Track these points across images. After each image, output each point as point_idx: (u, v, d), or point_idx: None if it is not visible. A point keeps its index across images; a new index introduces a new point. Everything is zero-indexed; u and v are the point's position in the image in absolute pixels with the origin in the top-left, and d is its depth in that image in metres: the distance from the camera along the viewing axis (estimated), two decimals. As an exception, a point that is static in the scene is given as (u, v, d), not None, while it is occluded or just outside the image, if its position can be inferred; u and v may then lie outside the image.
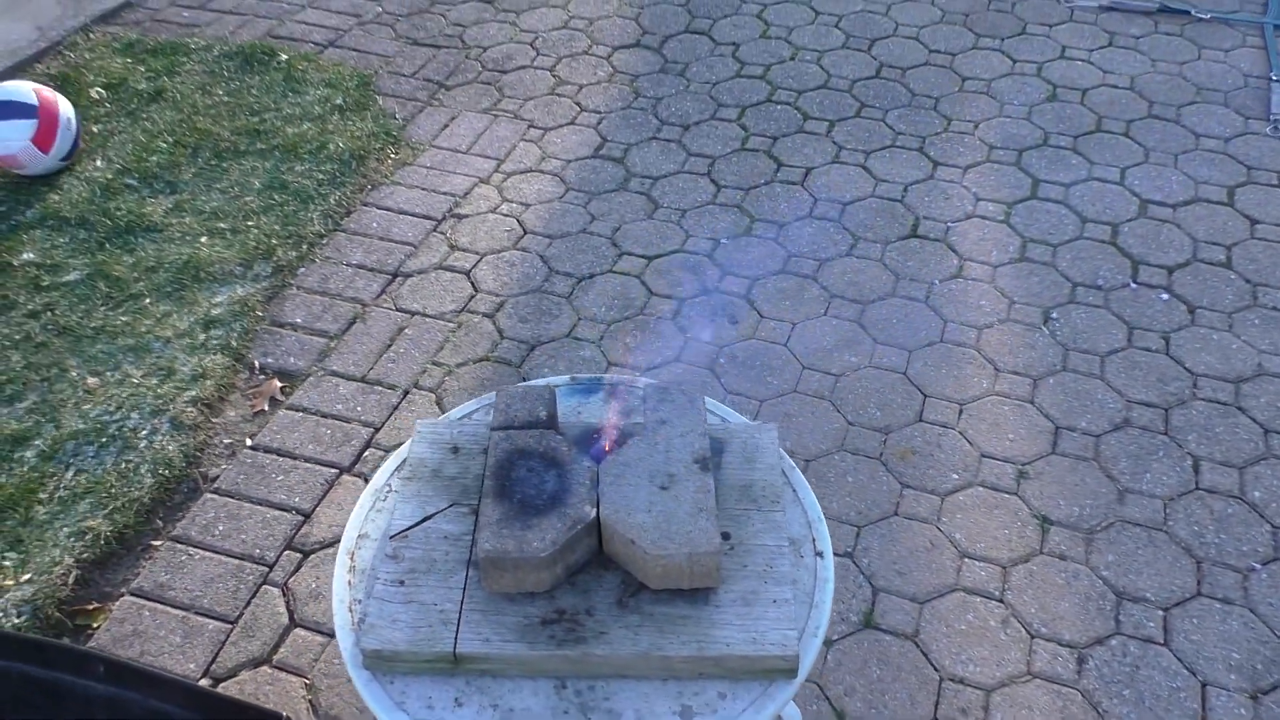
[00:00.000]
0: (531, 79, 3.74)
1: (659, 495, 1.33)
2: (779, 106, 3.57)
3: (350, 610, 1.35)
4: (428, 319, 2.78)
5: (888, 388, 2.56)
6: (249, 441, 2.46)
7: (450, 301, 2.83)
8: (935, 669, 2.00)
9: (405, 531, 1.38)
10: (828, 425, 2.46)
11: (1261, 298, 2.81)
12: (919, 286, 2.85)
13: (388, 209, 3.15)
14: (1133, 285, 2.85)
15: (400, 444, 2.43)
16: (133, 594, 2.16)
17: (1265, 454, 2.40)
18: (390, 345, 2.70)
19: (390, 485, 1.52)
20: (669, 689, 1.27)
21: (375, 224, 3.09)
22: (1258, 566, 2.18)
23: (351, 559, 1.41)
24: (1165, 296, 2.81)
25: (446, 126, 3.51)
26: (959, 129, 3.43)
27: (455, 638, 1.26)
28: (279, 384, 2.61)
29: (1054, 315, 2.76)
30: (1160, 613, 2.09)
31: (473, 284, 2.89)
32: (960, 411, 2.50)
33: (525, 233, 3.06)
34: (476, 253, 2.99)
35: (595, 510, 1.31)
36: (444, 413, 2.52)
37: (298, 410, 2.53)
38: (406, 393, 2.57)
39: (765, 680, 1.27)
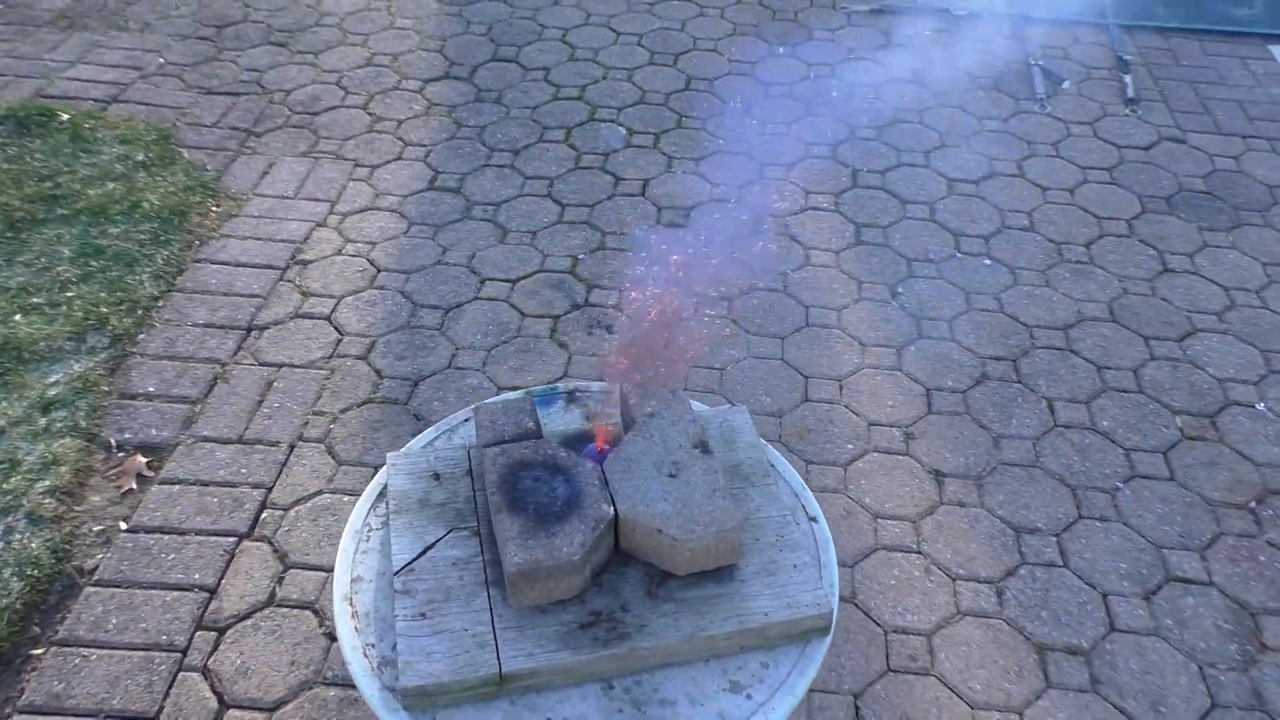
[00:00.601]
0: (346, 118, 3.64)
1: (671, 483, 1.34)
2: (604, 124, 3.65)
3: (366, 655, 1.28)
4: (296, 369, 2.65)
5: (771, 374, 2.68)
6: (123, 525, 2.26)
7: (316, 349, 2.71)
8: (878, 624, 2.11)
9: (410, 564, 1.33)
10: (724, 417, 2.54)
11: (1066, 254, 3.14)
12: (775, 278, 3.00)
13: (224, 263, 2.97)
14: (958, 255, 3.11)
15: (300, 500, 2.31)
16: (22, 712, 1.93)
17: (1103, 388, 2.69)
18: (262, 402, 2.55)
19: (370, 524, 1.45)
20: (712, 669, 1.29)
21: (214, 280, 2.91)
22: (1120, 485, 2.43)
23: (351, 604, 1.34)
24: (988, 262, 3.09)
25: (266, 174, 3.35)
26: (774, 131, 3.63)
27: (498, 658, 1.22)
28: (143, 459, 2.40)
29: (899, 290, 2.98)
30: (1054, 539, 2.30)
31: (336, 328, 2.77)
32: (840, 387, 2.65)
33: (379, 271, 2.98)
34: (332, 296, 2.88)
35: (613, 508, 1.31)
36: (338, 461, 2.41)
37: (173, 483, 2.34)
38: (292, 447, 2.44)
39: (801, 642, 1.32)
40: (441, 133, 3.59)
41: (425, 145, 3.52)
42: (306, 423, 2.50)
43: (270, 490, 2.34)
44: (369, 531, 1.44)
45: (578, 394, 1.66)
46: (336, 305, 2.85)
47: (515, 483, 1.34)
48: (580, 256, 3.06)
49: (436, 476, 1.45)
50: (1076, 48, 4.17)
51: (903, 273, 3.04)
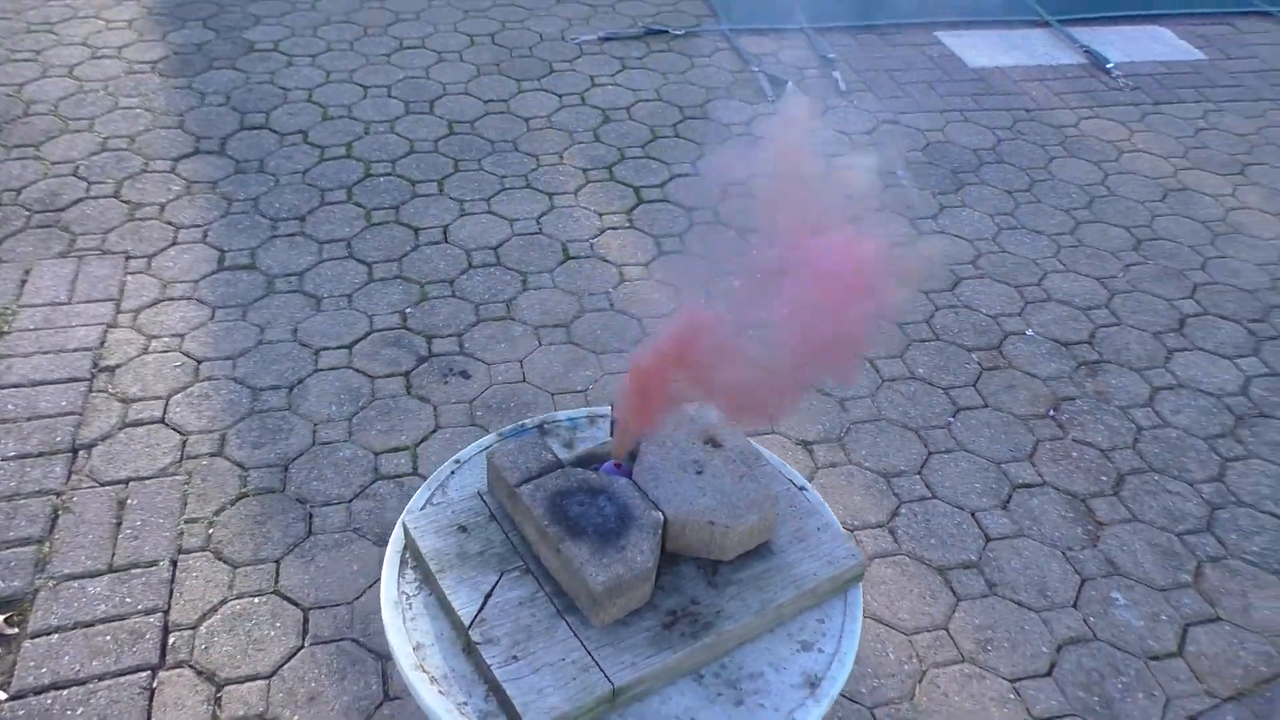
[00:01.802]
0: (98, 210, 3.37)
1: (701, 479, 1.45)
2: (382, 179, 3.62)
3: (463, 714, 1.28)
4: (147, 481, 2.45)
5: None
6: (3, 695, 2.01)
7: (161, 455, 2.51)
8: (807, 586, 2.30)
9: (479, 615, 1.34)
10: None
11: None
12: (600, 298, 3.13)
13: (16, 385, 2.68)
14: (754, 251, 3.39)
15: (206, 615, 2.16)
16: None
17: (909, 341, 3.05)
18: (120, 524, 2.34)
19: (405, 592, 1.43)
20: (779, 636, 1.40)
21: (11, 406, 2.62)
22: (951, 420, 2.79)
23: (424, 670, 1.33)
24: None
25: (25, 283, 3.04)
26: (548, 162, 3.77)
27: (606, 676, 1.27)
28: (1, 617, 2.14)
29: (712, 292, 3.21)
30: (917, 476, 2.60)
31: (175, 429, 2.59)
32: (696, 385, 2.83)
33: (199, 362, 2.80)
34: (158, 398, 2.68)
35: (661, 512, 1.39)
36: (233, 565, 2.27)
37: (48, 633, 2.11)
38: (174, 562, 2.26)
39: (841, 592, 1.46)
40: (213, 210, 3.41)
41: (199, 225, 3.33)
42: (181, 533, 2.33)
43: (168, 613, 2.16)
44: (407, 599, 1.42)
45: (547, 425, 1.71)
46: (166, 406, 2.66)
47: (565, 511, 1.38)
48: (407, 311, 3.03)
49: (463, 529, 1.46)
50: (785, 52, 4.64)
51: (710, 274, 3.27)
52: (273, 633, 2.13)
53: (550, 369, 2.85)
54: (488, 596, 1.37)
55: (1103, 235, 3.56)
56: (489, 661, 1.29)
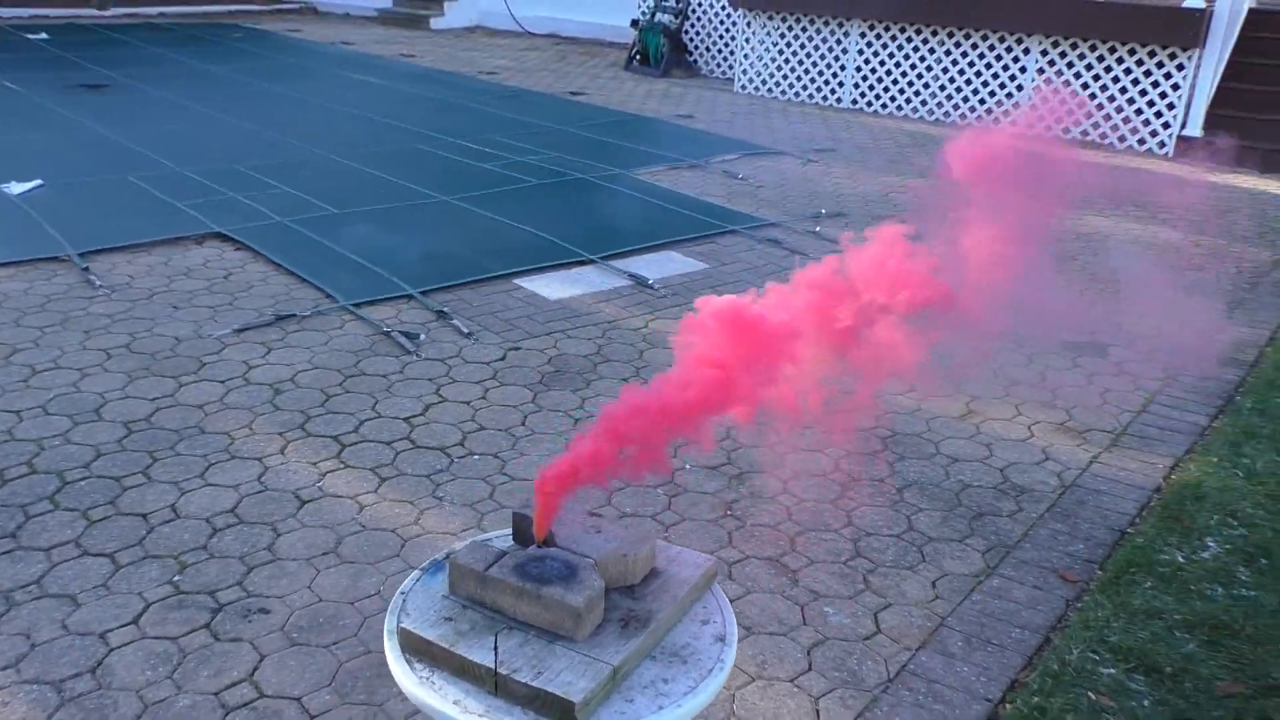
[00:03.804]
0: None
1: (601, 536, 2.09)
2: (83, 483, 3.72)
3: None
4: (-15, 789, 2.41)
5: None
6: None
7: (-14, 764, 2.48)
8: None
9: (500, 661, 1.83)
10: None
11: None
12: (350, 524, 3.54)
13: None
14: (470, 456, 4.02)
15: None
16: None
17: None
18: (-25, 832, 2.29)
19: (423, 677, 1.86)
20: (686, 621, 2.06)
21: None
22: (666, 534, 3.58)
23: (471, 713, 1.78)
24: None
25: None
26: (241, 435, 4.11)
27: (605, 662, 1.83)
28: None
29: (439, 495, 3.76)
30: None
31: (-12, 739, 2.55)
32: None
33: (-22, 678, 2.76)
34: (-49, 719, 2.61)
35: (591, 558, 2.00)
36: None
37: None
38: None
39: (709, 586, 2.15)
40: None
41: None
42: (50, 817, 2.34)
43: None
44: (428, 680, 1.86)
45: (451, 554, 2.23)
46: (-36, 723, 2.60)
47: (529, 573, 1.94)
48: (175, 579, 3.21)
49: (448, 618, 1.94)
50: (404, 313, 5.42)
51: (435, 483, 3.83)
52: None
53: (338, 585, 3.21)
54: (496, 648, 1.87)
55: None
56: (525, 681, 1.79)
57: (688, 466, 4.03)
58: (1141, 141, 10.77)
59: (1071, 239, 7.27)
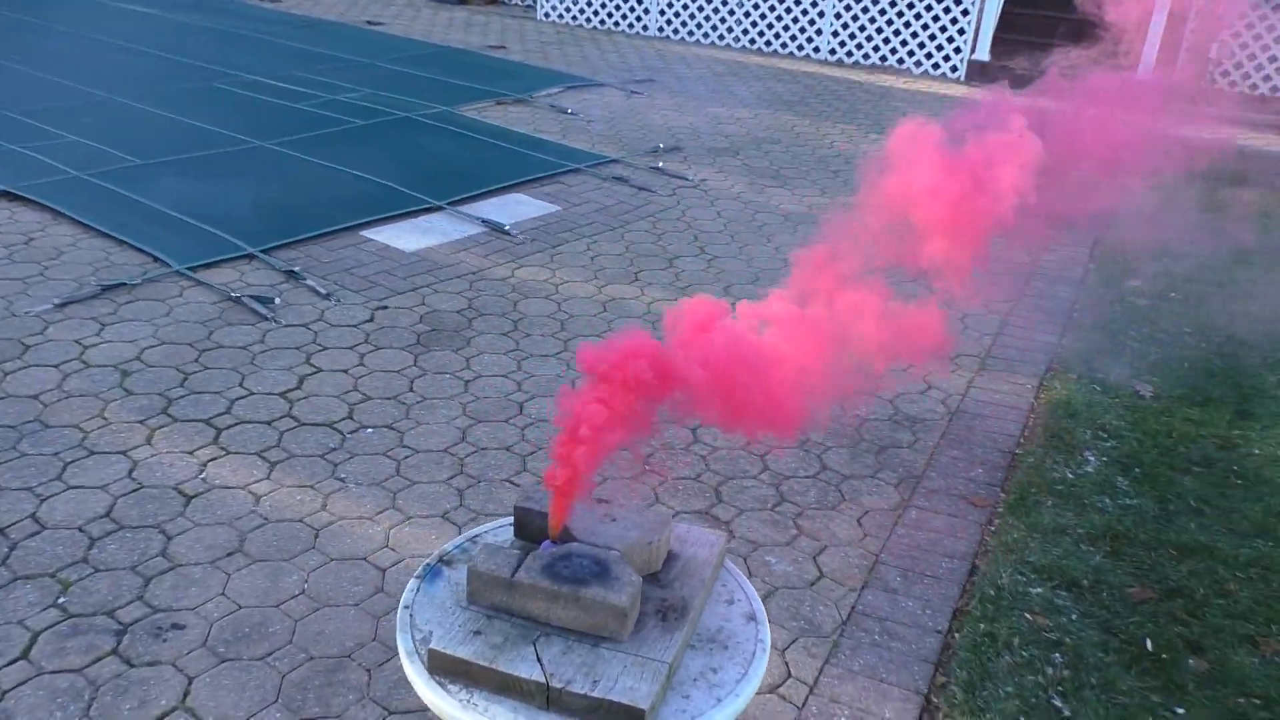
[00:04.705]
0: None
1: (618, 524, 1.98)
2: None
3: None
4: None
5: (337, 573, 3.01)
6: None
7: None
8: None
9: (548, 674, 1.71)
10: None
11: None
12: (251, 518, 3.23)
13: None
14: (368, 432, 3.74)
15: None
16: None
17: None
18: None
19: (461, 699, 1.71)
20: (712, 602, 1.99)
21: None
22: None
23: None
24: (368, 429, 3.79)
25: None
26: (94, 426, 3.66)
27: (660, 661, 1.74)
28: None
29: (339, 476, 3.50)
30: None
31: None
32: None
33: None
34: None
35: (615, 550, 1.89)
36: None
37: None
38: None
39: (722, 563, 2.09)
40: None
41: None
42: None
43: None
44: (469, 702, 1.71)
45: (446, 555, 2.05)
46: None
47: (560, 574, 1.81)
48: (61, 602, 2.83)
49: (477, 632, 1.79)
50: (250, 275, 4.98)
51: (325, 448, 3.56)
52: None
53: (255, 587, 2.93)
54: (540, 658, 1.74)
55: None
56: (583, 692, 1.67)
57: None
58: (936, 66, 11.30)
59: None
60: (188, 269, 4.95)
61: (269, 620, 2.82)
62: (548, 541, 1.97)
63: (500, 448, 3.73)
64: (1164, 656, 2.88)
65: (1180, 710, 2.70)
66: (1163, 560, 3.29)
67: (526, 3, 14.07)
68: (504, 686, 1.73)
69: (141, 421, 3.72)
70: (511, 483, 3.53)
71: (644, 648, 1.78)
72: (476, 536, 2.15)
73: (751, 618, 1.97)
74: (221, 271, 4.99)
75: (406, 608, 1.92)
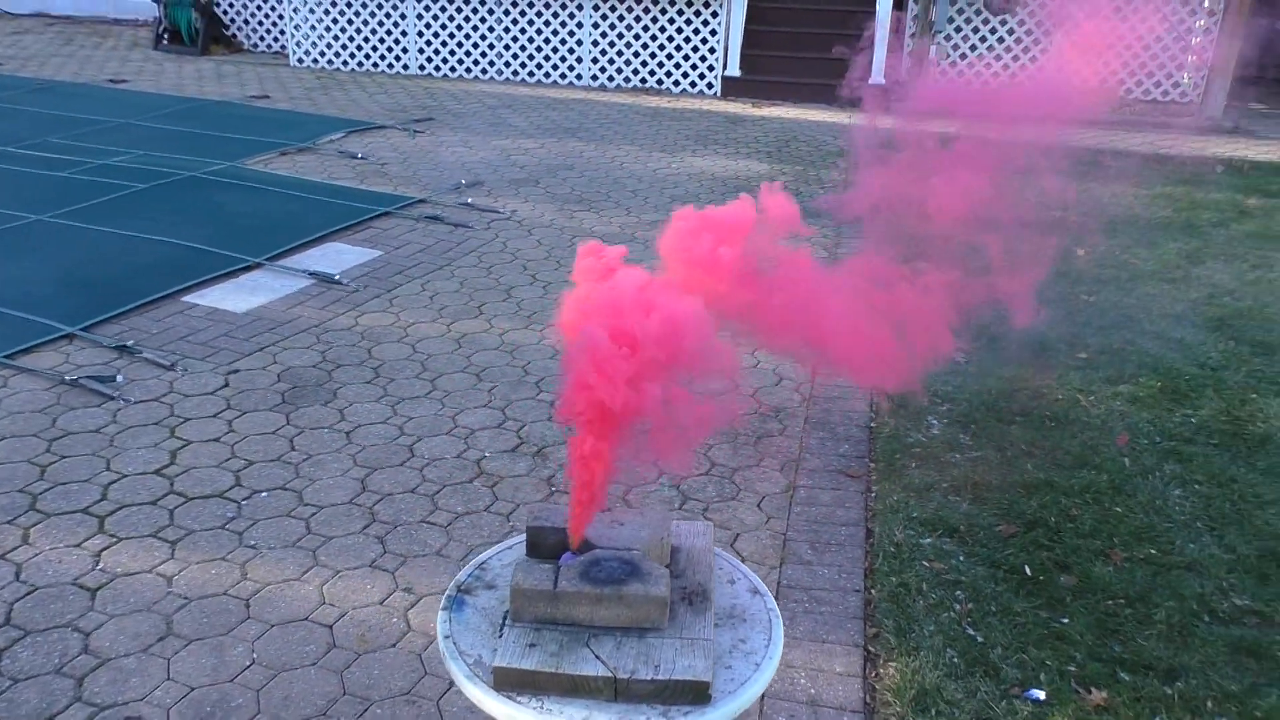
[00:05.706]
0: None
1: (627, 528, 2.14)
2: None
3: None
4: None
5: (281, 638, 2.96)
6: None
7: None
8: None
9: (609, 667, 1.85)
10: None
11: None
12: (169, 602, 3.11)
13: None
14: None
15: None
16: None
17: (421, 500, 3.72)
18: None
19: (535, 706, 1.82)
20: (718, 585, 2.18)
21: None
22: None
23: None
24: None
25: None
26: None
27: (705, 638, 1.93)
28: None
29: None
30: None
31: None
32: (327, 607, 3.11)
33: None
34: None
35: (637, 549, 2.05)
36: None
37: None
38: None
39: (714, 547, 2.29)
40: None
41: None
42: None
43: None
44: (543, 707, 1.82)
45: (463, 584, 2.14)
46: None
47: (597, 579, 1.96)
48: (-15, 720, 2.64)
49: (531, 645, 1.90)
50: (77, 355, 4.67)
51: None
52: None
53: (203, 666, 2.84)
54: (600, 658, 1.88)
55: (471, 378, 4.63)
56: (649, 678, 1.83)
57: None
58: (693, 84, 11.99)
59: (689, 180, 8.03)
60: (4, 358, 4.59)
61: (228, 696, 2.75)
62: (568, 553, 2.10)
63: (405, 491, 3.75)
64: (1041, 579, 3.34)
65: (1065, 620, 3.15)
66: (1016, 498, 3.79)
67: (274, 49, 13.68)
68: (572, 688, 1.85)
69: (9, 522, 3.47)
70: (429, 523, 3.57)
71: (685, 630, 1.96)
72: (484, 564, 2.24)
73: (756, 592, 2.19)
74: (44, 356, 4.66)
75: (448, 637, 2.00)
